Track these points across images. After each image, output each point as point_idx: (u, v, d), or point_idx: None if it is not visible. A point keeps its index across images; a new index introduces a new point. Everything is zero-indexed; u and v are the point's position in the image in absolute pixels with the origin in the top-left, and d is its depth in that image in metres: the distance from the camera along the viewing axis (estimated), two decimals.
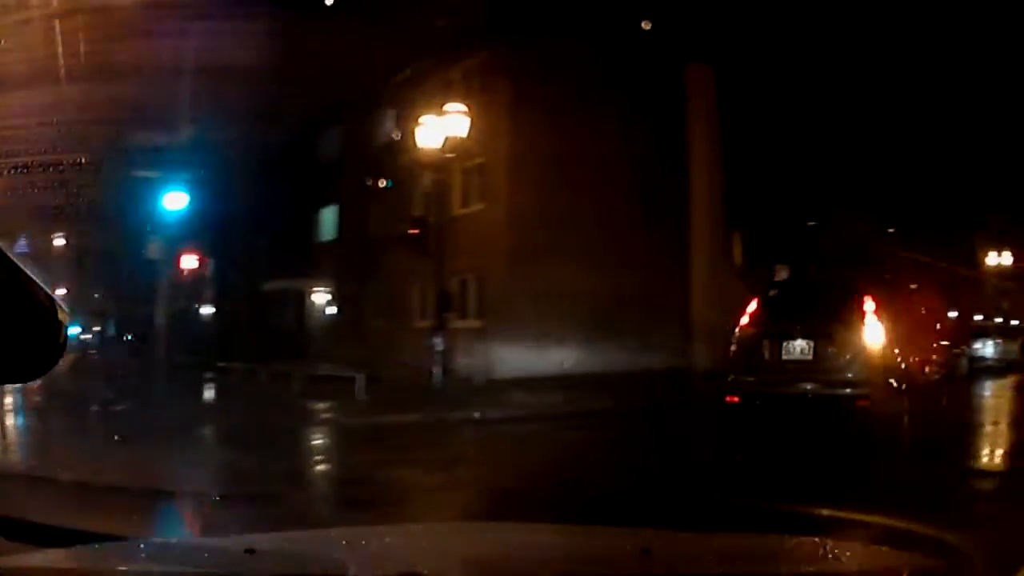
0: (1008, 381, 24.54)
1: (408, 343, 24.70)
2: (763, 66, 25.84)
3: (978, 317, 49.92)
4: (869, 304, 12.94)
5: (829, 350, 12.75)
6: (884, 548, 3.65)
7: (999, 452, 12.14)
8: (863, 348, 12.65)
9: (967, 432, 13.33)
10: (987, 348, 30.71)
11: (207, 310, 35.01)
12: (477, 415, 17.03)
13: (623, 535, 3.53)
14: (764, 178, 26.07)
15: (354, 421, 16.87)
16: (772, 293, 14.95)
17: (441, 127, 20.80)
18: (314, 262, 32.35)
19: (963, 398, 17.95)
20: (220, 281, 33.70)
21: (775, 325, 13.23)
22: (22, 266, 1.87)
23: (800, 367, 12.75)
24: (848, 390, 12.42)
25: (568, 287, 23.26)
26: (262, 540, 3.34)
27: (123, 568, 3.04)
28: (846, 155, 28.52)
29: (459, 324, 24.73)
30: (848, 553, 3.32)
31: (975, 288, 54.69)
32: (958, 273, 59.03)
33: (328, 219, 32.97)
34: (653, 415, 16.94)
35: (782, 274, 25.20)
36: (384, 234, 25.98)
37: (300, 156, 31.18)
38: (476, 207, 25.87)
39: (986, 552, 3.34)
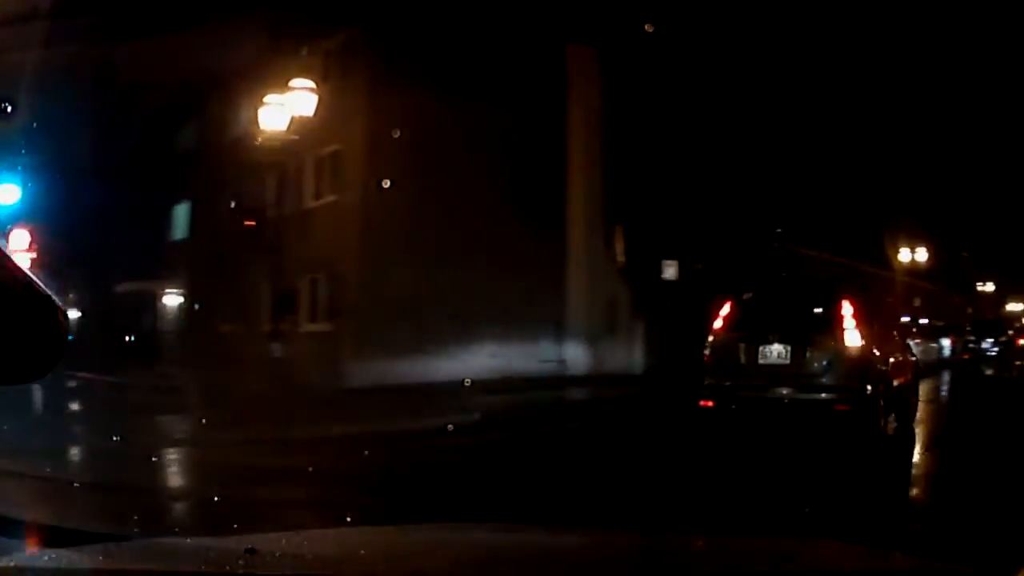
0: (929, 384, 23.56)
1: (255, 349, 22.24)
2: (651, 50, 24.38)
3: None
4: (847, 308, 12.99)
5: (807, 354, 12.83)
6: (884, 548, 3.64)
7: (975, 453, 11.87)
8: (841, 352, 12.72)
9: (944, 434, 15.19)
10: None
11: (72, 314, 32.93)
12: (312, 433, 14.33)
13: (623, 535, 3.71)
14: (650, 168, 24.41)
15: (175, 438, 14.68)
16: (746, 296, 14.55)
17: (287, 107, 19.12)
18: (168, 262, 29.94)
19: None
20: (73, 283, 31.62)
21: (751, 329, 13.22)
22: (22, 266, 1.89)
23: (777, 371, 12.84)
24: (826, 395, 12.57)
25: (429, 287, 21.07)
26: (262, 540, 3.23)
27: (123, 568, 2.95)
28: (739, 147, 27.37)
29: (309, 328, 22.71)
30: (848, 553, 3.36)
31: (886, 286, 54.09)
32: (866, 271, 58.46)
33: (181, 216, 30.63)
34: (522, 432, 15.08)
35: (669, 271, 23.82)
36: (234, 231, 23.74)
37: (154, 152, 29.02)
38: (329, 199, 23.64)
39: (986, 552, 3.49)
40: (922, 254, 45.14)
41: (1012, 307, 67.96)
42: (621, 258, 26.07)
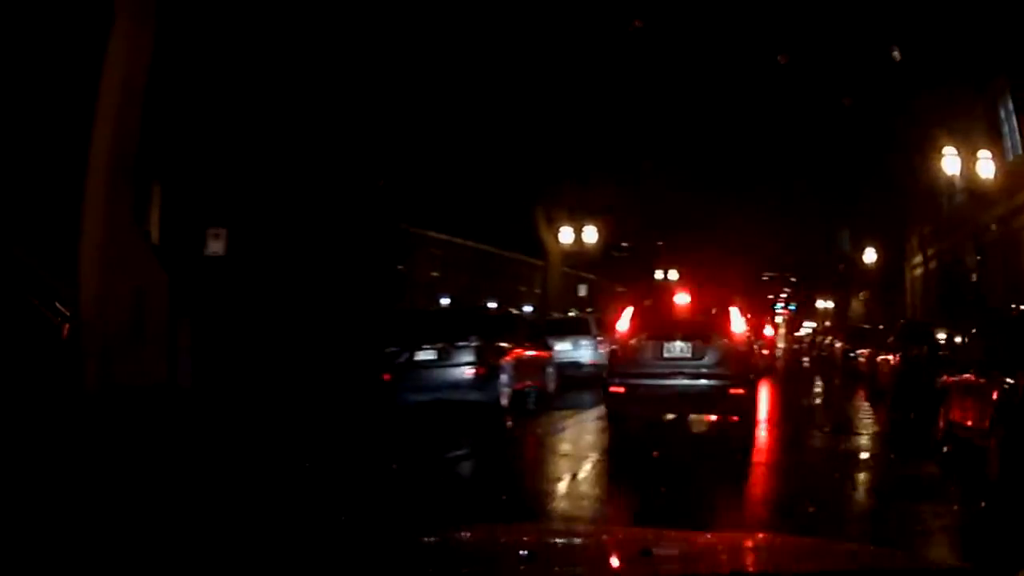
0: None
1: None
2: None
3: (528, 308, 46.56)
4: (735, 312, 16.79)
5: (706, 349, 16.08)
6: (885, 548, 3.88)
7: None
8: (734, 348, 16.25)
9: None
10: (579, 349, 28.30)
11: None
12: None
13: (623, 535, 4.02)
14: (218, 114, 19.67)
15: None
16: (647, 302, 18.57)
17: None
18: None
19: None
20: None
21: (656, 329, 16.54)
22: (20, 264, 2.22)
23: (680, 363, 16.07)
24: (723, 381, 15.76)
25: None
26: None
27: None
28: (346, 108, 23.74)
29: None
30: (849, 552, 3.56)
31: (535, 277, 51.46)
32: (511, 258, 55.50)
33: None
34: None
35: (215, 246, 19.07)
36: None
37: None
38: None
39: (987, 553, 3.85)
40: (591, 234, 40.26)
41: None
42: (155, 232, 19.87)
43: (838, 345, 41.20)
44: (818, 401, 26.13)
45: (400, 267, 41.17)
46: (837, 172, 46.85)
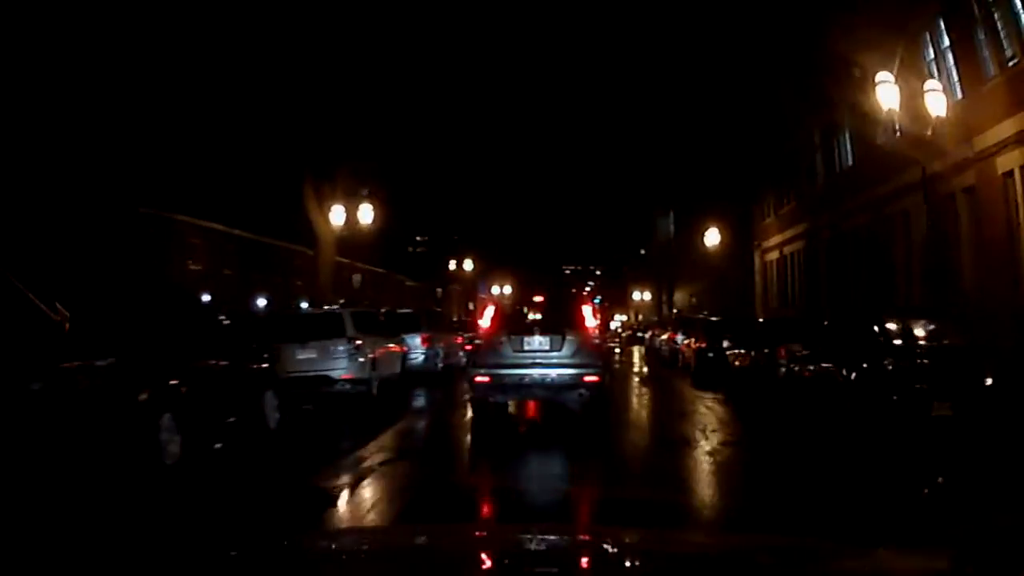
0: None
1: None
2: None
3: (305, 304, 44.07)
4: (587, 309, 19.47)
5: (562, 342, 18.55)
6: (886, 549, 3.76)
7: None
8: (585, 341, 18.71)
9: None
10: (329, 359, 24.58)
11: None
12: None
13: (624, 535, 4.00)
14: None
15: None
16: (508, 302, 22.88)
17: None
18: None
19: None
20: None
21: (517, 326, 19.08)
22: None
23: (540, 355, 18.52)
24: (579, 370, 18.31)
25: None
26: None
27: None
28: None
29: None
30: (850, 553, 3.66)
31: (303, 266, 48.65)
32: (296, 251, 52.49)
33: None
34: None
35: None
36: None
37: None
38: None
39: (987, 553, 3.38)
40: (367, 213, 35.69)
41: (496, 290, 66.25)
42: None
43: (687, 342, 33.69)
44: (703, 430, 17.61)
45: (146, 259, 37.32)
46: (660, 142, 45.47)
